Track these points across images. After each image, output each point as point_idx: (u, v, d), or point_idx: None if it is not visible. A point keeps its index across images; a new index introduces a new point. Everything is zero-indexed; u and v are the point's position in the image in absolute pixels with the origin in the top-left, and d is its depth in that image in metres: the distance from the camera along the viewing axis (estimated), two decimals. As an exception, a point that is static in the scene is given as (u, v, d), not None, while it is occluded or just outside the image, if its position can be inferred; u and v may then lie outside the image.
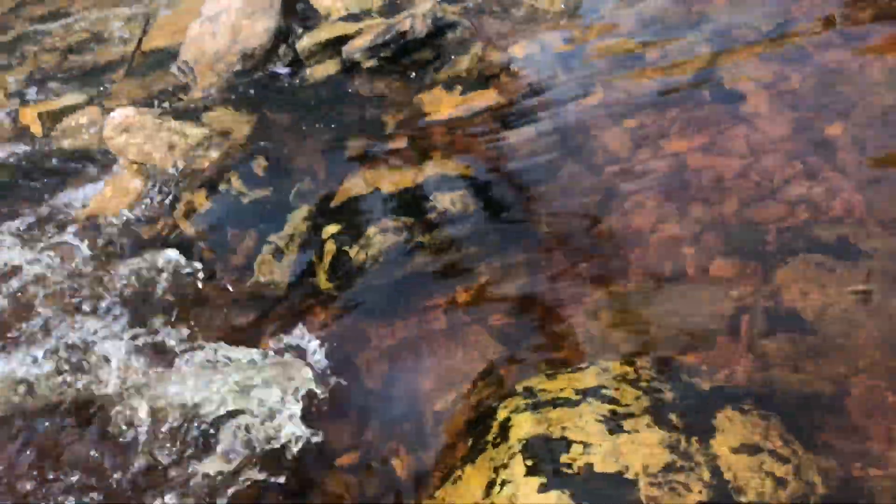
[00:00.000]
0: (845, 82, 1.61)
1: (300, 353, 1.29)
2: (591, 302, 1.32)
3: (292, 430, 1.15)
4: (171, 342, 1.32)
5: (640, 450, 0.91)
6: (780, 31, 1.79)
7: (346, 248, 1.43)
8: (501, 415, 1.03)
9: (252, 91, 1.98)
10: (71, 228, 1.62)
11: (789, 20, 1.81)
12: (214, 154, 1.72)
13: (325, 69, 2.00)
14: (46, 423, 1.23)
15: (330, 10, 2.22)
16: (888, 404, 1.06)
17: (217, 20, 2.11)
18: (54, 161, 1.90)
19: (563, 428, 0.94)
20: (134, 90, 2.11)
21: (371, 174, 1.64)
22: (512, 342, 1.26)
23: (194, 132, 1.74)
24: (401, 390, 1.24)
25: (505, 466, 0.92)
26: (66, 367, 1.29)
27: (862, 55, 1.67)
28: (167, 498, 1.12)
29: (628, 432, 0.93)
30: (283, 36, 2.08)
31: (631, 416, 0.96)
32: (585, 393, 1.01)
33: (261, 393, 1.21)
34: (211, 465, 1.15)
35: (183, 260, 1.47)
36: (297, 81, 2.00)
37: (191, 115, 1.89)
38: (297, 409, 1.17)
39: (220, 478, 1.14)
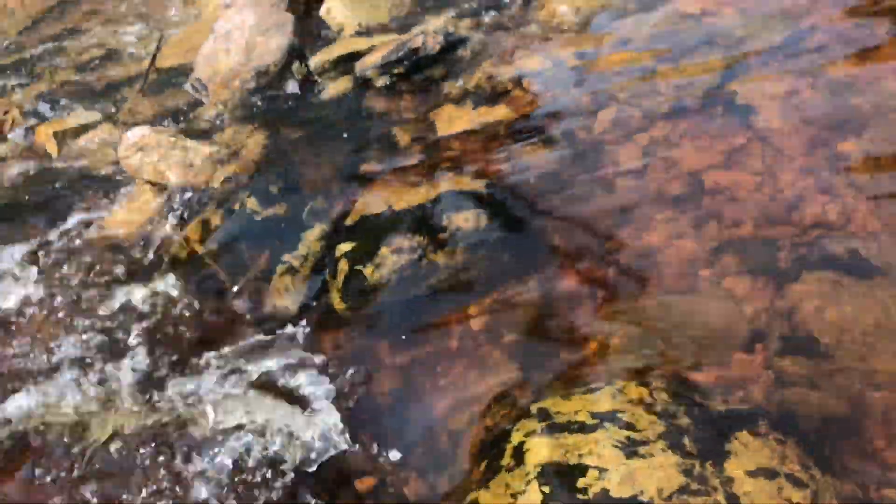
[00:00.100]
0: (858, 96, 1.60)
1: (314, 373, 1.29)
2: (606, 319, 1.32)
3: (306, 453, 1.15)
4: (186, 362, 1.33)
5: (656, 473, 0.91)
6: (792, 44, 1.78)
7: (360, 267, 1.43)
8: (516, 438, 1.03)
9: (266, 108, 1.99)
10: (86, 249, 1.64)
11: (801, 33, 1.81)
12: (229, 172, 1.73)
13: (337, 86, 2.02)
14: (65, 449, 1.24)
15: (343, 27, 2.24)
16: (907, 426, 1.05)
17: (230, 38, 2.13)
18: (70, 180, 1.91)
19: (580, 455, 0.94)
20: (148, 108, 2.13)
21: (384, 191, 1.65)
22: (526, 361, 1.26)
23: (208, 150, 1.76)
24: (415, 411, 1.24)
25: (521, 493, 0.92)
26: (83, 385, 1.30)
27: (875, 68, 1.66)
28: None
29: (644, 457, 0.93)
30: (296, 53, 2.10)
31: (646, 441, 0.96)
32: (601, 417, 1.01)
33: (274, 414, 1.22)
34: (223, 486, 1.16)
35: (197, 280, 1.48)
36: (311, 98, 2.01)
37: (205, 132, 1.91)
38: (311, 430, 1.18)
39: (232, 499, 1.15)
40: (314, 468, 1.16)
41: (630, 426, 0.99)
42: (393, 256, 1.44)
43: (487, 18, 2.11)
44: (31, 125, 2.20)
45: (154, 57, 2.38)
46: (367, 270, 1.42)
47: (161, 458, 1.20)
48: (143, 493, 1.18)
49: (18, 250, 1.68)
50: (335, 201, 1.66)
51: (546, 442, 0.99)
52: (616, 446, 0.95)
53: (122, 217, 1.74)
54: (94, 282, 1.53)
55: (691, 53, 1.81)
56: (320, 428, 1.19)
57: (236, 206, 1.65)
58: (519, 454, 1.00)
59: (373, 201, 1.62)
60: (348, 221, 1.59)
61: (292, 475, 1.16)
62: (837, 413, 1.08)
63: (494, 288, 1.41)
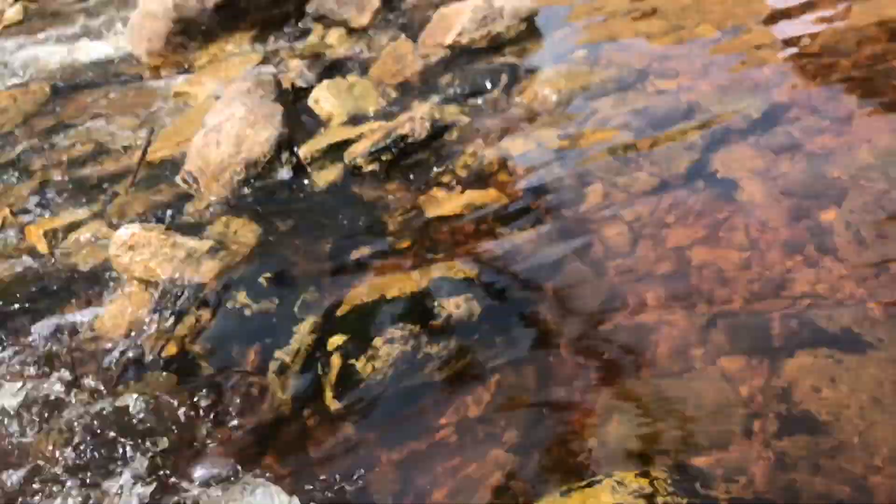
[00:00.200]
0: (836, 167, 1.64)
1: (307, 473, 1.27)
2: (602, 406, 1.31)
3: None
4: (176, 467, 1.31)
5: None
6: (768, 117, 1.83)
7: (353, 360, 1.43)
8: (518, 539, 1.01)
9: (256, 199, 2.01)
10: (75, 353, 1.63)
11: (776, 106, 1.86)
12: (220, 266, 1.74)
13: (327, 174, 2.05)
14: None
15: (331, 116, 2.28)
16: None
17: (221, 130, 2.17)
18: (60, 279, 1.91)
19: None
20: (139, 203, 2.15)
21: (376, 280, 1.65)
22: (524, 454, 1.25)
23: (199, 245, 1.77)
24: (413, 509, 1.22)
25: None
26: (74, 497, 1.27)
27: (849, 139, 1.70)
28: None
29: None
30: (285, 143, 2.13)
31: (650, 542, 0.94)
32: (602, 516, 1.00)
33: (272, 518, 1.19)
34: None
35: (190, 380, 1.47)
36: (301, 187, 2.04)
37: (196, 227, 1.92)
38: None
39: None
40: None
41: (632, 526, 0.97)
42: (386, 347, 1.43)
43: (472, 103, 2.16)
44: (23, 224, 2.21)
45: (144, 151, 2.41)
46: (360, 363, 1.41)
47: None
48: None
49: (7, 352, 1.67)
50: (327, 292, 1.66)
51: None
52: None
53: (112, 316, 1.73)
54: (84, 384, 1.52)
55: (671, 130, 1.85)
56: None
57: (227, 301, 1.65)
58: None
59: (364, 290, 1.63)
60: (340, 312, 1.59)
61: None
62: (842, 496, 1.06)
63: (489, 376, 1.40)
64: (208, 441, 1.35)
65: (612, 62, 2.18)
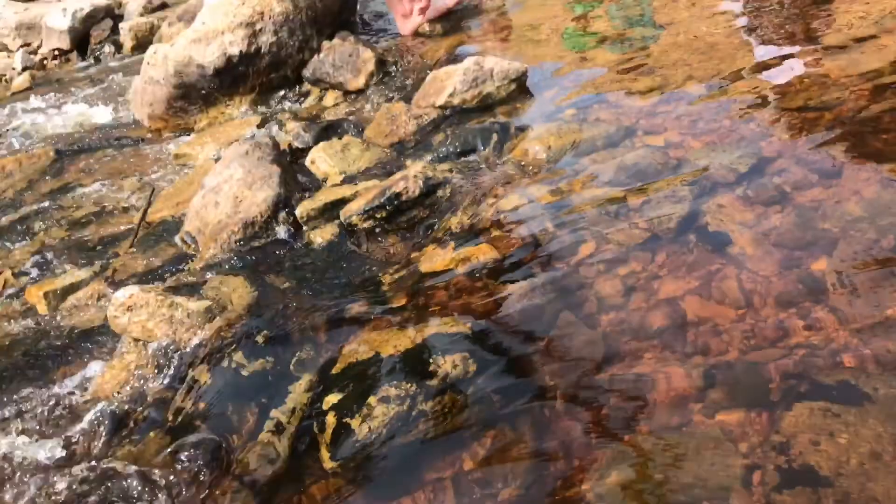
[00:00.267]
0: (825, 219, 1.66)
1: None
2: (600, 460, 1.30)
3: None
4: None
5: None
6: (756, 171, 1.86)
7: (348, 419, 1.42)
8: None
9: (253, 259, 2.03)
10: (72, 416, 1.62)
11: (763, 160, 1.89)
12: (216, 327, 1.75)
13: (323, 233, 2.07)
14: None
15: (327, 175, 2.32)
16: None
17: (219, 191, 2.21)
18: (59, 340, 1.92)
19: None
20: (138, 263, 2.17)
21: (371, 337, 1.66)
22: (521, 512, 1.24)
23: (196, 306, 1.78)
24: (409, 571, 1.20)
25: None
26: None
27: (838, 191, 1.73)
28: None
29: None
30: (282, 203, 2.16)
31: None
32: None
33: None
34: None
35: (188, 444, 1.46)
36: (297, 246, 2.06)
37: (194, 287, 1.94)
38: None
39: None
40: None
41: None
42: (381, 406, 1.43)
43: (464, 161, 2.20)
44: (23, 285, 2.23)
45: (145, 211, 2.45)
46: (355, 423, 1.41)
47: None
48: None
49: (3, 414, 1.67)
50: (322, 350, 1.67)
51: None
52: None
53: (109, 377, 1.74)
54: (79, 447, 1.51)
55: (660, 184, 1.88)
56: None
57: (223, 361, 1.65)
58: None
59: (360, 348, 1.63)
60: (335, 370, 1.59)
61: None
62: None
63: (486, 433, 1.39)
64: (205, 502, 1.34)
65: (601, 119, 2.23)
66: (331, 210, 2.11)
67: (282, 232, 2.10)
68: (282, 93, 3.23)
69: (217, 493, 1.37)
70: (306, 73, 3.17)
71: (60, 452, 1.48)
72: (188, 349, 1.72)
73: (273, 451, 1.44)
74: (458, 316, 1.66)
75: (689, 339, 1.48)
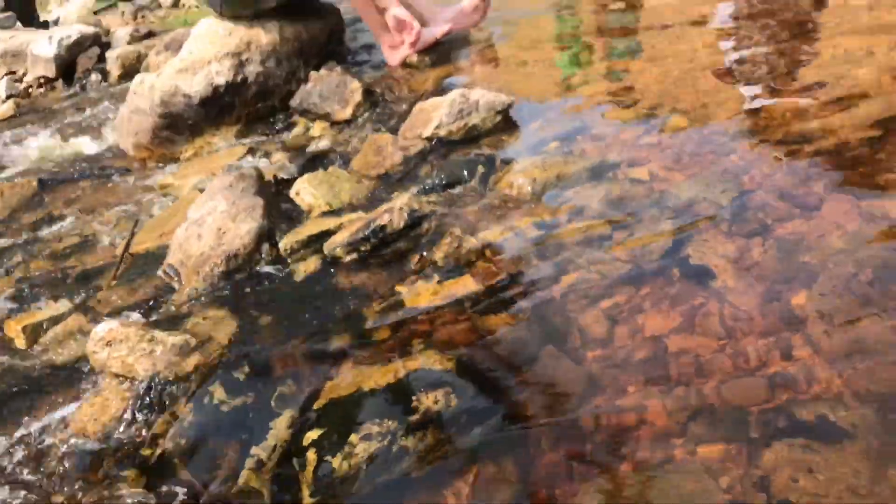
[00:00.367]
0: (806, 252, 1.67)
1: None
2: (583, 497, 1.29)
3: None
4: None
5: None
6: (738, 204, 1.87)
7: (329, 456, 1.41)
8: None
9: (236, 291, 2.02)
10: (51, 450, 1.60)
11: (745, 193, 1.90)
12: (197, 361, 1.73)
13: (307, 265, 2.06)
14: None
15: (312, 207, 2.32)
16: None
17: (203, 223, 2.20)
18: (37, 375, 1.89)
19: None
20: (120, 297, 2.15)
21: (353, 372, 1.65)
22: (502, 552, 1.22)
23: (177, 340, 1.76)
24: None
25: None
26: None
27: (818, 225, 1.74)
28: None
29: None
30: (266, 235, 2.16)
31: None
32: None
33: None
34: None
35: (166, 482, 1.44)
36: (280, 279, 2.05)
37: (175, 320, 1.92)
38: None
39: None
40: None
41: None
42: (362, 443, 1.41)
43: (450, 193, 2.21)
44: (1, 319, 2.21)
45: (128, 244, 2.44)
46: (336, 461, 1.39)
47: None
48: None
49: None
50: (304, 385, 1.65)
51: None
52: None
53: (87, 413, 1.71)
54: (58, 489, 1.48)
55: (644, 218, 1.89)
56: None
57: (203, 397, 1.63)
58: None
59: (342, 383, 1.62)
60: (317, 406, 1.57)
61: None
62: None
63: (469, 469, 1.38)
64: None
65: (585, 151, 2.25)
66: (315, 242, 2.11)
67: (265, 265, 2.09)
68: (268, 123, 3.24)
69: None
70: (293, 103, 3.18)
71: (31, 496, 1.45)
72: (168, 384, 1.70)
73: (253, 488, 1.42)
74: (442, 350, 1.65)
75: (671, 373, 1.48)
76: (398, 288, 1.90)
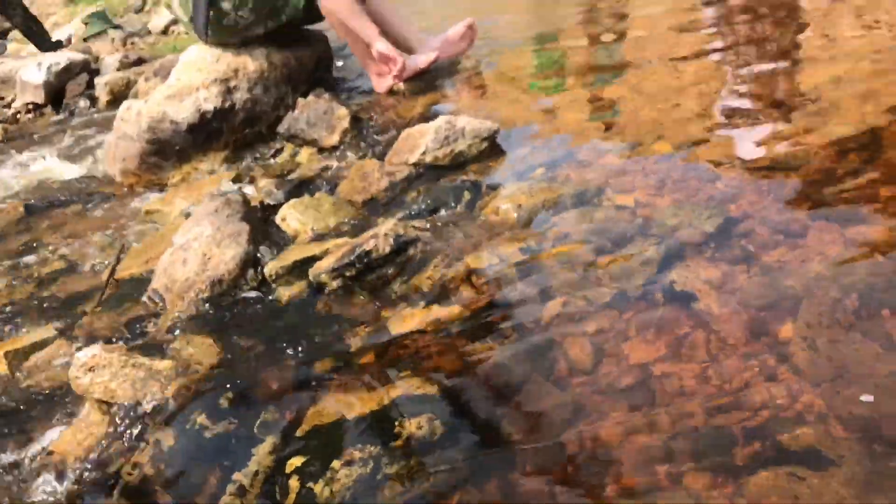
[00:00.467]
0: (790, 279, 1.67)
1: None
2: (567, 526, 1.28)
3: None
4: None
5: None
6: (723, 231, 1.88)
7: (311, 483, 1.39)
8: None
9: (220, 317, 2.01)
10: (32, 476, 1.57)
11: (730, 220, 1.92)
12: (180, 387, 1.72)
13: (291, 291, 2.06)
14: None
15: (298, 233, 2.32)
16: None
17: (188, 248, 2.19)
18: (18, 401, 1.87)
19: None
20: (104, 322, 2.14)
21: (337, 398, 1.64)
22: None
23: (160, 366, 1.75)
24: None
25: None
26: None
27: (803, 252, 1.75)
28: None
29: None
30: (251, 261, 2.15)
31: None
32: None
33: None
34: None
35: (143, 509, 1.42)
36: (265, 305, 2.04)
37: (159, 346, 1.91)
38: None
39: None
40: None
41: None
42: (345, 470, 1.40)
43: (436, 219, 2.21)
44: (-16, 345, 2.18)
45: (113, 270, 2.42)
46: (318, 487, 1.38)
47: None
48: None
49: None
50: (287, 411, 1.64)
51: None
52: None
53: (69, 439, 1.69)
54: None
55: (629, 244, 1.90)
56: None
57: (186, 423, 1.61)
58: None
59: (325, 409, 1.61)
60: (300, 432, 1.56)
61: None
62: None
63: (451, 495, 1.37)
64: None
65: (571, 178, 2.26)
66: (300, 268, 2.10)
67: (250, 290, 2.08)
68: (256, 149, 3.25)
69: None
70: (281, 129, 3.19)
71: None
72: (151, 410, 1.68)
73: (234, 518, 1.40)
74: (427, 376, 1.64)
75: (656, 401, 1.47)
76: (383, 313, 1.90)
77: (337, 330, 1.87)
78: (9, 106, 5.09)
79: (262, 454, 1.52)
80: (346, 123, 3.00)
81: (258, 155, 3.21)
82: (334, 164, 2.87)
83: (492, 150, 2.57)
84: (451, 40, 3.61)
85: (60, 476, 1.59)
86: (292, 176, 2.85)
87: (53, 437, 1.72)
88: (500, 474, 1.40)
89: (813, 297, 1.61)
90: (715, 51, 3.28)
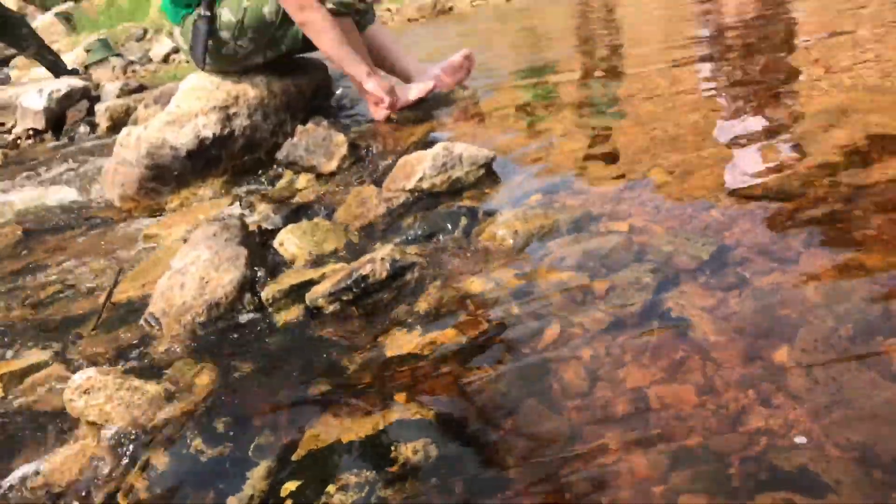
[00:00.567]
0: (784, 306, 1.69)
1: None
2: (563, 552, 1.28)
3: None
4: None
5: None
6: (718, 257, 1.90)
7: (306, 508, 1.39)
8: None
9: (216, 341, 2.01)
10: (24, 501, 1.56)
11: (725, 247, 1.93)
12: (176, 410, 1.71)
13: (288, 315, 2.06)
14: None
15: (295, 257, 2.33)
16: None
17: (186, 272, 2.20)
18: (12, 424, 1.86)
19: None
20: (101, 345, 2.13)
21: (332, 422, 1.63)
22: None
23: (155, 389, 1.74)
24: None
25: None
26: None
27: (797, 279, 1.76)
28: None
29: None
30: (248, 285, 2.16)
31: None
32: None
33: None
34: None
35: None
36: (261, 329, 2.04)
37: (154, 370, 1.91)
38: None
39: None
40: None
41: None
42: (340, 495, 1.39)
43: (432, 245, 2.23)
44: (-20, 371, 2.17)
45: (110, 293, 2.43)
46: (313, 512, 1.37)
47: None
48: None
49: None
50: (282, 435, 1.63)
51: None
52: None
53: (63, 462, 1.68)
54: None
55: (624, 270, 1.91)
56: None
57: (181, 446, 1.61)
58: None
59: (320, 433, 1.60)
60: (295, 456, 1.55)
61: None
62: None
63: (447, 523, 1.36)
64: None
65: (567, 205, 2.28)
66: (297, 292, 2.11)
67: (246, 314, 2.08)
68: (255, 175, 3.27)
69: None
70: (280, 155, 3.21)
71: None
72: (146, 433, 1.68)
73: (227, 542, 1.39)
74: (423, 401, 1.64)
75: (652, 426, 1.47)
76: (380, 338, 1.90)
77: (333, 354, 1.87)
78: (9, 132, 5.12)
79: (256, 478, 1.52)
80: (344, 150, 3.03)
81: (257, 181, 3.23)
82: (332, 190, 2.89)
83: (488, 176, 2.60)
84: (448, 70, 3.66)
85: (54, 499, 1.58)
86: (290, 201, 2.87)
87: (47, 459, 1.71)
88: (497, 499, 1.39)
89: (808, 324, 1.62)
90: (709, 81, 3.32)
